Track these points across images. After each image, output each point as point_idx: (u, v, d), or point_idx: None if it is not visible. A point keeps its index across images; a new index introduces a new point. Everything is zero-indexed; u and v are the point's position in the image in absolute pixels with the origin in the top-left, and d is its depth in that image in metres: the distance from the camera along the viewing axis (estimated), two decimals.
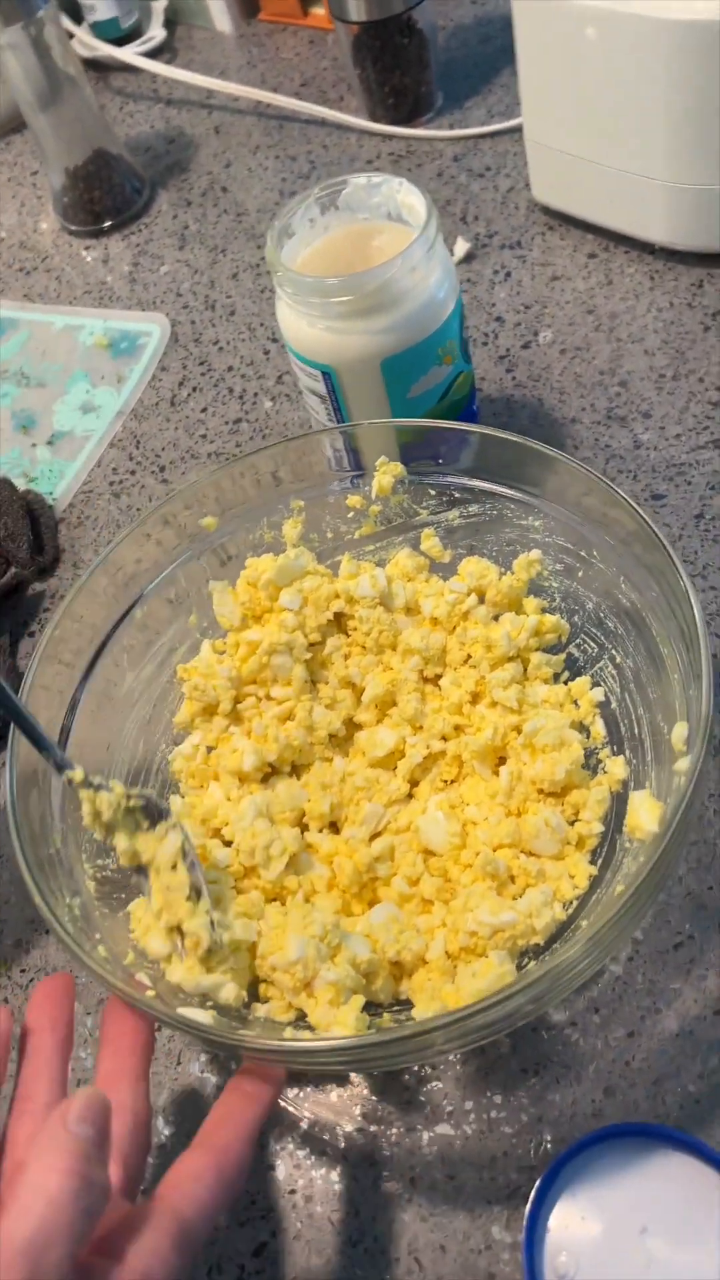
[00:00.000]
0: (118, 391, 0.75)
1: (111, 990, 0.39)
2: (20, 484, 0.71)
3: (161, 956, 0.43)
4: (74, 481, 0.71)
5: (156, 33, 1.01)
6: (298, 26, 0.99)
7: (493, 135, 0.83)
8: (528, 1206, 0.41)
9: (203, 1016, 0.39)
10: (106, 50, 0.98)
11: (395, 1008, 0.45)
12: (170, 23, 1.04)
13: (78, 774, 0.44)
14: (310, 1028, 0.42)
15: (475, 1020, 0.35)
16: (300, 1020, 0.43)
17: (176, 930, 0.43)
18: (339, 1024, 0.41)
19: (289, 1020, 0.43)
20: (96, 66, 1.01)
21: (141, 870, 0.44)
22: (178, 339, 0.77)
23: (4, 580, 0.64)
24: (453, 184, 0.81)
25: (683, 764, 0.40)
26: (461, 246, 0.75)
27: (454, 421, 0.51)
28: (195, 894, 0.42)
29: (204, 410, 0.73)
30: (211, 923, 0.42)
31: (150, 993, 0.40)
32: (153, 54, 0.99)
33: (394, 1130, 0.45)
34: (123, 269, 0.84)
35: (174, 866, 0.43)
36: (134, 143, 0.93)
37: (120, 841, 0.44)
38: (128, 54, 0.97)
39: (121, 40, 1.00)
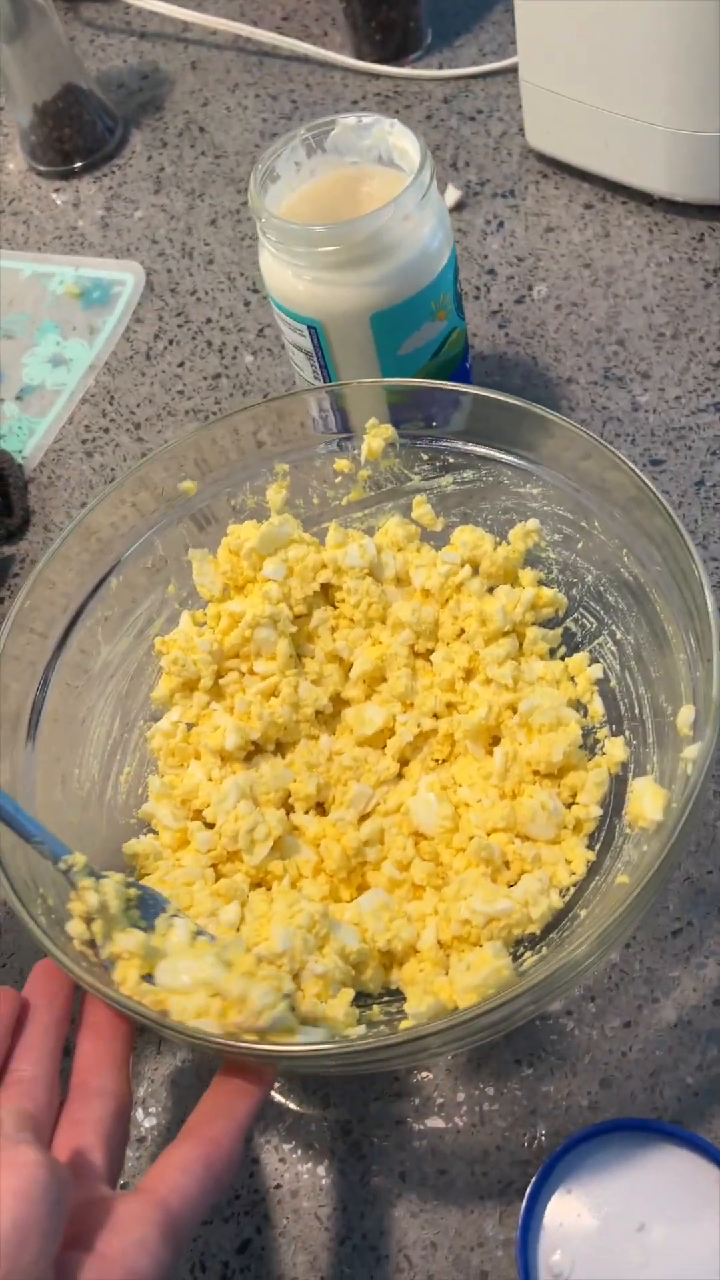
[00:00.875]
0: (90, 344, 0.72)
1: (86, 988, 0.37)
2: None
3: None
4: (44, 439, 0.68)
5: None
6: None
7: (485, 76, 0.79)
8: (523, 1202, 0.39)
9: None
10: None
11: (385, 998, 0.43)
12: None
13: (78, 859, 0.39)
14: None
15: (473, 1024, 0.33)
16: None
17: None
18: (327, 1018, 0.40)
19: None
20: None
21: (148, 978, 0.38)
22: (153, 288, 0.74)
23: None
24: (442, 128, 0.77)
25: (690, 751, 0.38)
26: (452, 194, 0.72)
27: (448, 382, 0.48)
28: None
29: (181, 364, 0.69)
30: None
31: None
32: None
33: (383, 1123, 0.44)
34: (95, 213, 0.79)
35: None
36: (106, 78, 0.88)
37: (123, 942, 0.38)
38: None
39: None
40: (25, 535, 0.64)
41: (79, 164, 0.82)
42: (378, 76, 0.82)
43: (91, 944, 0.38)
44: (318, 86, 0.83)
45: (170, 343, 0.71)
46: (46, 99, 0.79)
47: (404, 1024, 0.39)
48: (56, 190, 0.82)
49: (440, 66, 0.80)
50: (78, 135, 0.81)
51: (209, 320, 0.71)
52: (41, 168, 0.83)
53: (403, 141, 0.50)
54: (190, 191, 0.79)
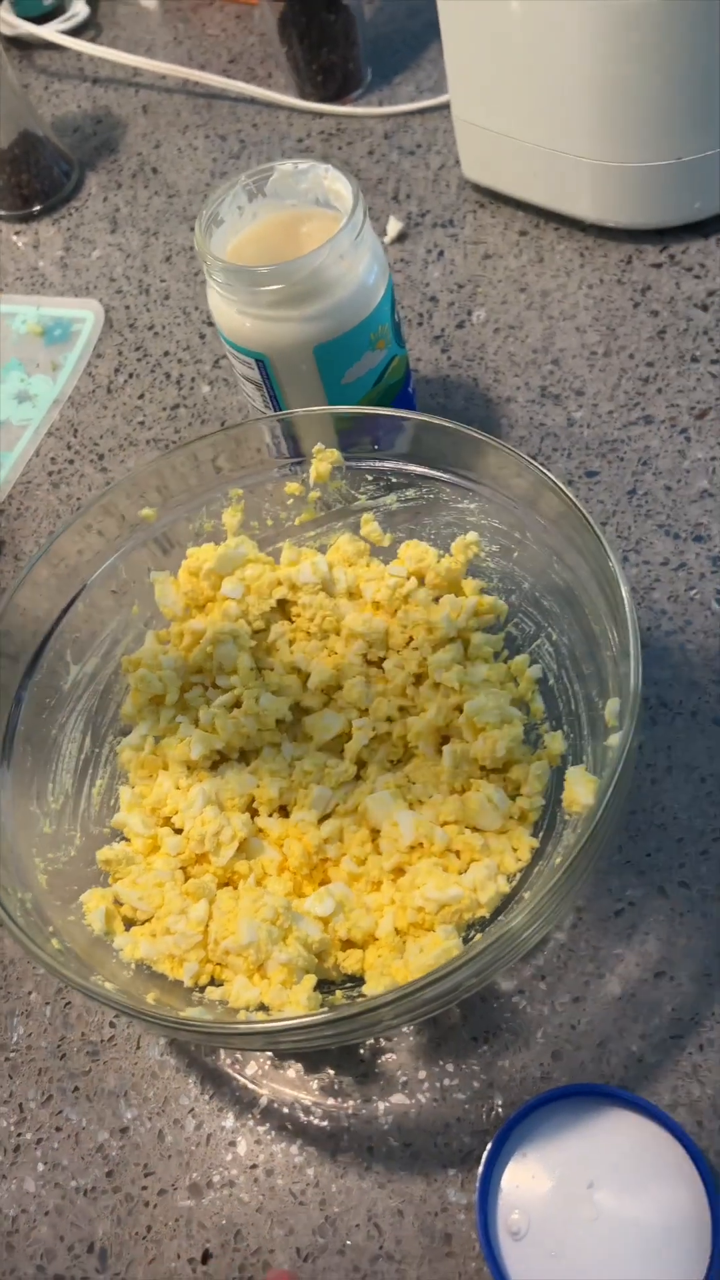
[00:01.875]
0: (53, 379, 0.75)
1: (66, 983, 0.39)
2: None
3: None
4: (12, 472, 0.71)
5: (79, 9, 0.99)
6: (223, 2, 0.98)
7: (422, 112, 0.83)
8: (480, 1168, 0.42)
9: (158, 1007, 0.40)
10: (28, 28, 0.96)
11: (348, 984, 0.46)
12: None
13: None
14: (264, 1008, 0.43)
15: (422, 995, 0.36)
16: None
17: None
18: (292, 1004, 0.43)
19: (243, 1004, 0.43)
20: (18, 45, 0.99)
21: None
22: (112, 324, 0.77)
23: None
24: (384, 162, 0.81)
25: (614, 739, 0.41)
26: (394, 226, 0.75)
27: (386, 408, 0.52)
28: None
29: (141, 396, 0.72)
30: None
31: (109, 985, 0.41)
32: (76, 31, 0.97)
33: (351, 1102, 0.46)
34: (54, 254, 0.83)
35: None
36: (60, 123, 0.92)
37: None
38: (50, 32, 0.95)
39: (43, 18, 0.98)
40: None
41: (37, 207, 0.85)
42: (321, 115, 0.85)
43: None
44: (264, 126, 0.86)
45: (130, 376, 0.74)
46: (3, 146, 0.83)
47: (357, 1002, 0.42)
48: (17, 233, 0.85)
49: (380, 104, 0.84)
50: (35, 180, 0.84)
51: (166, 353, 0.74)
52: (2, 212, 0.86)
53: (337, 185, 0.54)
54: (145, 230, 0.82)
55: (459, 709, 0.50)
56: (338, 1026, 0.37)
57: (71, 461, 0.71)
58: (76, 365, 0.75)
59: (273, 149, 0.85)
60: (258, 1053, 0.48)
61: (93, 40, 0.97)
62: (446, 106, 0.81)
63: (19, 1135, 0.48)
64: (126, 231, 0.82)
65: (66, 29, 0.96)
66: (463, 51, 0.68)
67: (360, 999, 0.43)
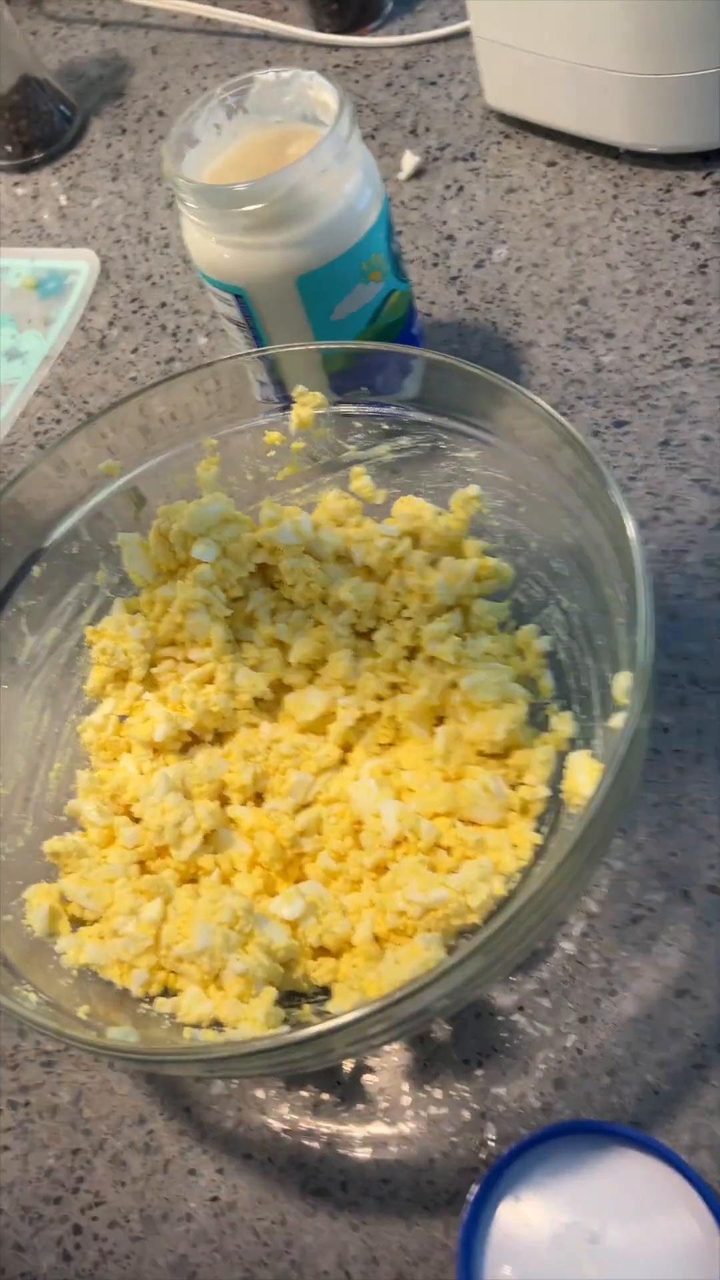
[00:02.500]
0: (45, 335, 0.70)
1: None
2: None
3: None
4: None
5: None
6: None
7: (445, 39, 0.76)
8: (464, 1212, 0.37)
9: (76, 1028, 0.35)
10: None
11: (320, 997, 0.40)
12: None
13: None
14: (219, 1024, 0.38)
15: (377, 1020, 0.31)
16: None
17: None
18: (248, 1020, 0.37)
19: (194, 1020, 0.38)
20: None
21: None
22: (109, 275, 0.72)
23: None
24: (402, 94, 0.74)
25: (617, 719, 0.35)
26: (410, 161, 0.69)
27: (375, 343, 0.46)
28: None
29: (135, 350, 0.67)
30: None
31: (33, 997, 0.36)
32: None
33: (325, 1129, 0.41)
34: (54, 204, 0.78)
35: None
36: (69, 69, 0.87)
37: None
38: None
39: None
40: None
41: (37, 155, 0.80)
42: (338, 48, 0.79)
43: None
44: (278, 61, 0.80)
45: (125, 329, 0.69)
46: (2, 93, 0.78)
47: (311, 1019, 0.36)
48: (16, 184, 0.81)
49: (401, 33, 0.78)
50: (34, 127, 0.79)
51: (163, 304, 0.69)
52: (1, 162, 0.81)
53: (323, 95, 0.48)
54: (148, 176, 0.77)
55: (456, 685, 0.44)
56: (277, 1056, 0.31)
57: (59, 421, 0.66)
58: (69, 320, 0.70)
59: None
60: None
61: None
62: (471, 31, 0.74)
63: None
64: (128, 179, 0.77)
65: None
66: None
67: (327, 1018, 0.38)
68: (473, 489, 0.46)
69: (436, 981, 0.30)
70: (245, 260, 0.47)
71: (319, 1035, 0.30)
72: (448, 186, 0.68)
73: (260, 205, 0.45)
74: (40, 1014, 0.34)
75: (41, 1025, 0.33)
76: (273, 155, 0.50)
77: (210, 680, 0.47)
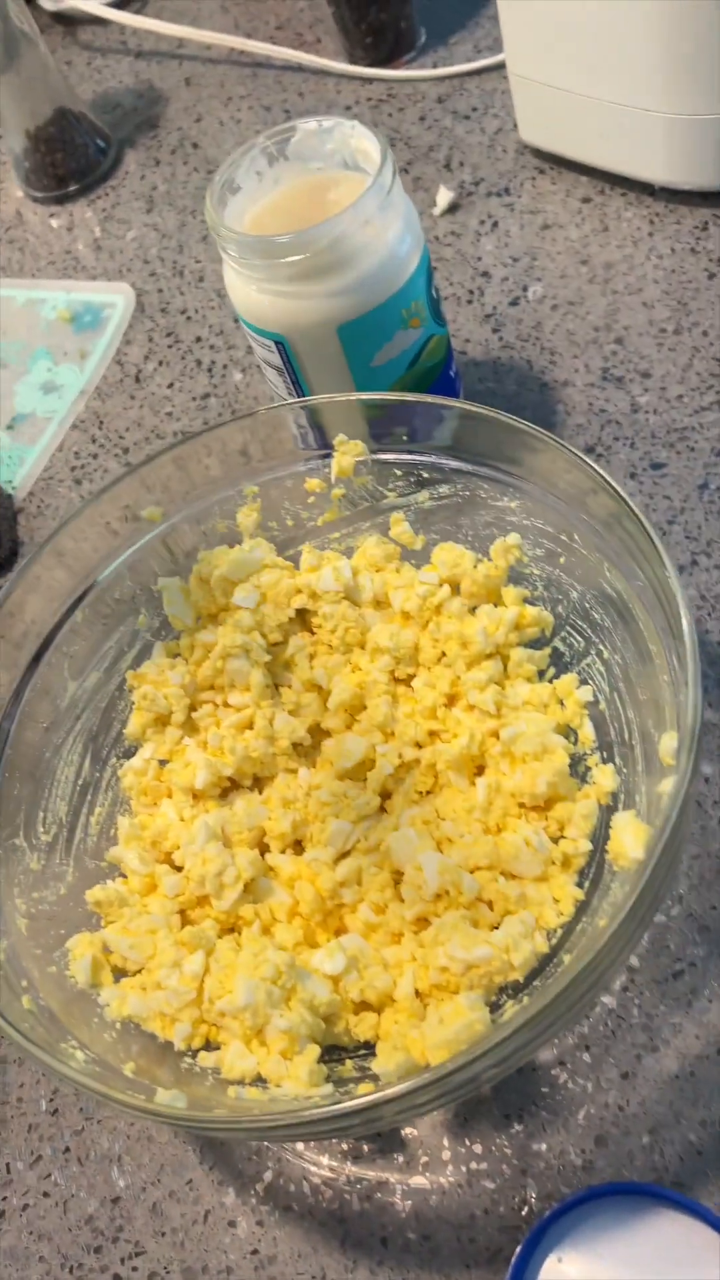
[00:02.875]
0: (81, 369, 0.70)
1: (29, 1056, 0.35)
2: None
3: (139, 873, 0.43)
4: (34, 468, 0.67)
5: None
6: None
7: (479, 73, 0.76)
8: (508, 1272, 0.37)
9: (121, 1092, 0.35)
10: (72, 2, 0.92)
11: (361, 1052, 0.40)
12: None
13: None
14: (262, 1080, 0.38)
15: (428, 1091, 0.31)
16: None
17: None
18: (292, 1077, 0.37)
19: (238, 1075, 0.38)
20: (62, 20, 0.95)
21: None
22: (144, 309, 0.72)
23: None
24: (436, 128, 0.74)
25: (666, 784, 0.35)
26: (444, 196, 0.69)
27: (415, 395, 0.46)
28: None
29: (170, 385, 0.68)
30: None
31: (80, 1055, 0.36)
32: (121, 4, 0.93)
33: (365, 1182, 0.41)
34: (89, 236, 0.78)
35: None
36: (103, 100, 0.88)
37: None
38: (94, 5, 0.91)
39: None
40: (14, 567, 0.63)
41: (73, 187, 0.81)
42: (371, 81, 0.79)
43: None
44: (310, 94, 0.81)
45: (160, 364, 0.69)
46: (38, 125, 0.78)
47: (364, 1086, 0.36)
48: (52, 215, 0.81)
49: (435, 66, 0.78)
50: (70, 159, 0.80)
51: (198, 339, 0.69)
52: (36, 194, 0.82)
53: (364, 143, 0.48)
54: (182, 209, 0.77)
55: (496, 735, 0.44)
56: (326, 1125, 0.31)
57: (95, 456, 0.66)
58: (105, 353, 0.71)
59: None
60: None
61: (137, 12, 0.92)
62: (504, 65, 0.74)
63: (4, 1199, 0.44)
64: (163, 211, 0.78)
65: (111, 1, 0.92)
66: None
67: (371, 1075, 0.38)
68: (513, 537, 0.46)
69: (488, 1052, 0.30)
70: (287, 308, 0.47)
71: (370, 1106, 0.30)
72: (482, 222, 0.68)
73: (303, 256, 0.45)
74: (88, 1074, 0.34)
75: (92, 1089, 0.33)
76: (313, 202, 0.50)
77: (249, 725, 0.47)
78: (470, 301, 0.64)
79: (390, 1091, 0.31)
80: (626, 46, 0.58)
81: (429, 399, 0.46)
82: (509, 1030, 0.30)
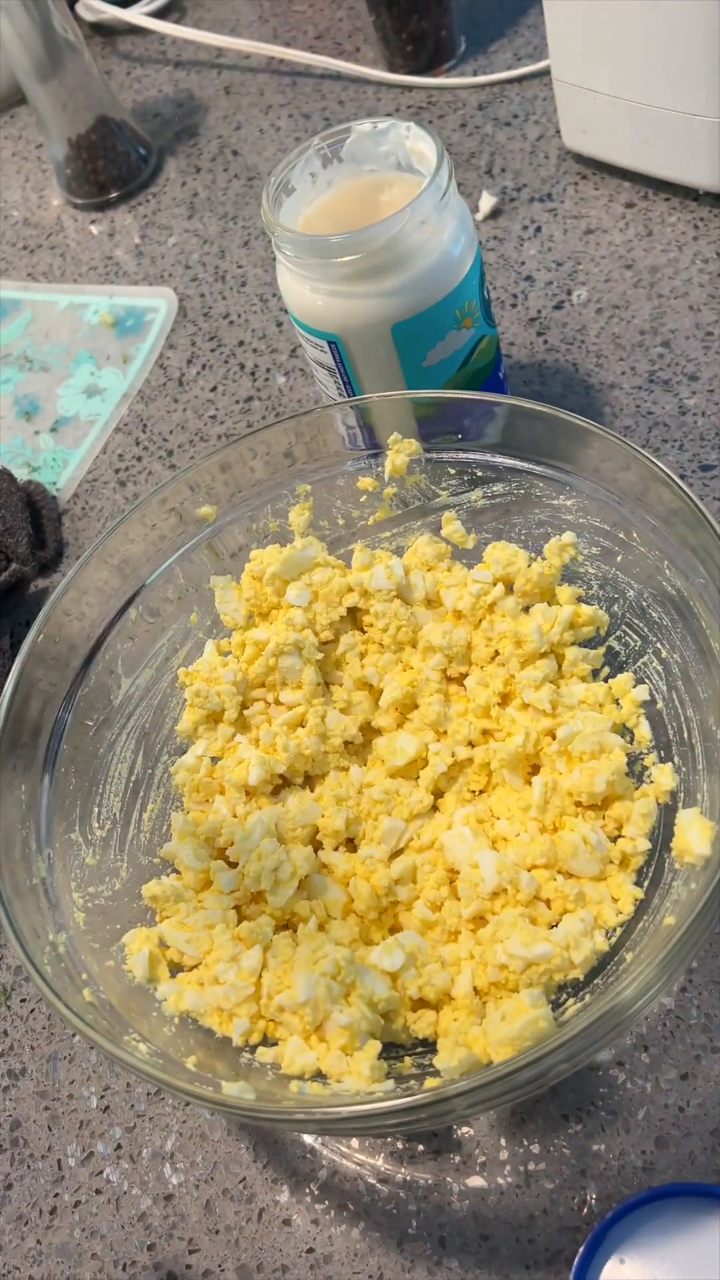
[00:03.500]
0: (123, 372, 0.71)
1: (94, 1045, 0.35)
2: (22, 474, 0.67)
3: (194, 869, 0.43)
4: (78, 470, 0.67)
5: None
6: None
7: (520, 80, 0.77)
8: (571, 1273, 0.36)
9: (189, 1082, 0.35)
10: (112, 12, 0.93)
11: (419, 1049, 0.40)
12: None
13: None
14: (321, 1075, 0.38)
15: (502, 1084, 0.30)
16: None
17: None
18: (353, 1073, 0.37)
19: (298, 1071, 0.38)
20: (102, 31, 0.96)
21: None
22: (186, 313, 0.73)
23: (3, 577, 0.60)
24: (477, 135, 0.75)
25: None
26: (487, 201, 0.69)
27: (471, 392, 0.46)
28: None
29: (214, 389, 0.68)
30: None
31: (143, 1047, 0.36)
32: (160, 14, 0.94)
33: (422, 1182, 0.41)
34: (130, 242, 0.79)
35: None
36: (142, 109, 0.88)
37: None
38: (134, 15, 0.92)
39: (127, 1, 0.95)
40: (59, 568, 0.63)
41: (114, 194, 0.82)
42: (410, 89, 0.80)
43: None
44: (350, 102, 0.81)
45: (203, 368, 0.69)
46: (80, 132, 0.79)
47: (429, 1082, 0.36)
48: (93, 221, 0.82)
49: (475, 74, 0.78)
50: (111, 166, 0.81)
51: (241, 343, 0.70)
52: (78, 200, 0.83)
53: (420, 145, 0.48)
54: (223, 215, 0.78)
55: (551, 734, 0.44)
56: (399, 1117, 0.31)
57: (139, 458, 0.67)
58: (148, 357, 0.71)
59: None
60: None
61: (177, 22, 0.93)
62: (546, 73, 0.75)
63: (56, 1196, 0.44)
64: (204, 217, 0.78)
65: (150, 11, 0.93)
66: (565, 5, 0.61)
67: (433, 1069, 0.38)
68: (568, 536, 0.46)
69: (560, 1047, 0.30)
70: (341, 308, 0.48)
71: (439, 1100, 0.30)
72: (525, 227, 0.68)
73: (358, 256, 0.45)
74: (153, 1066, 0.34)
75: (161, 1080, 0.33)
76: (366, 203, 0.50)
77: (301, 723, 0.47)
78: (514, 305, 0.65)
79: (459, 1085, 0.30)
80: (673, 52, 0.58)
81: (482, 396, 0.46)
82: (581, 1026, 0.30)
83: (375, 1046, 0.38)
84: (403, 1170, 0.41)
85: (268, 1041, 0.40)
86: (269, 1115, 0.32)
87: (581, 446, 0.44)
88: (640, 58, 0.60)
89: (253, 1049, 0.40)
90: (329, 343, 0.49)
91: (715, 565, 0.39)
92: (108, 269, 0.78)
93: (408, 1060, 0.39)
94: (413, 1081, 0.38)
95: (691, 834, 0.37)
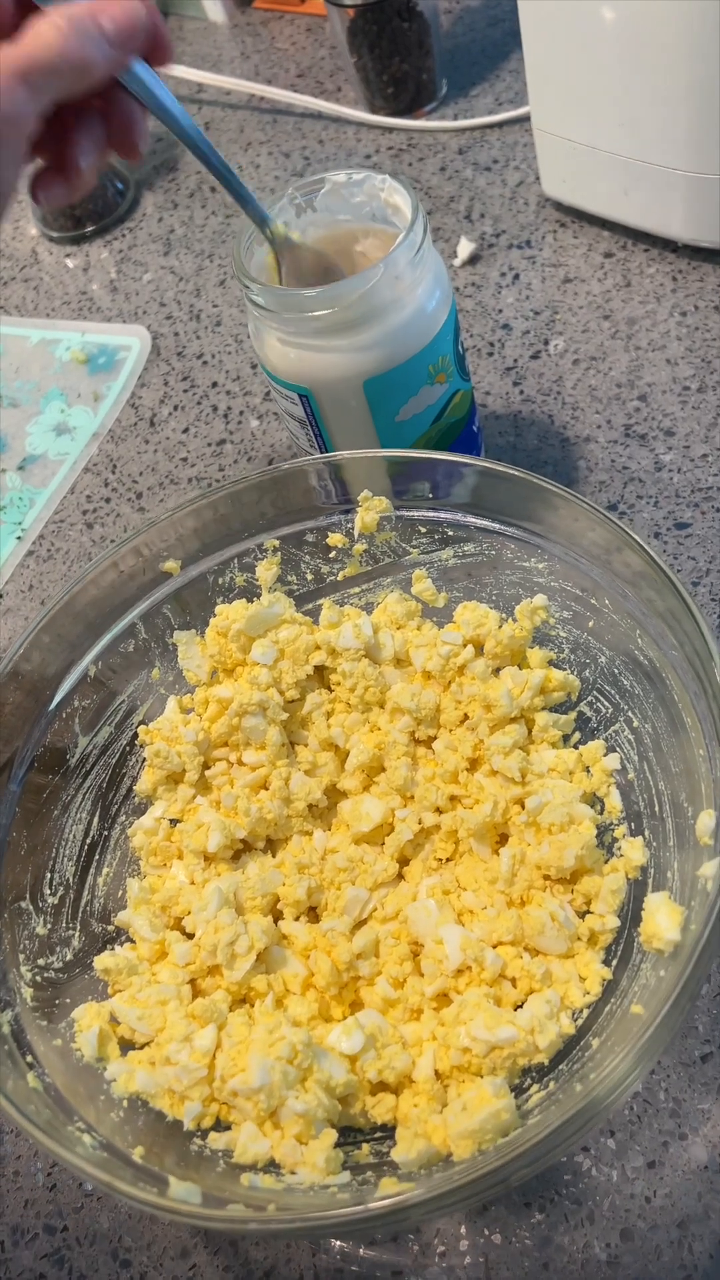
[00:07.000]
0: (94, 411, 0.70)
1: (33, 1139, 0.33)
2: None
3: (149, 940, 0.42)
4: (44, 510, 0.66)
5: None
6: (294, 14, 0.93)
7: (500, 125, 0.76)
8: None
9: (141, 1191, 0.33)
10: None
11: (378, 1134, 0.39)
12: (161, 14, 0.98)
13: (279, 228, 0.46)
14: (275, 1165, 0.36)
15: (458, 1194, 0.29)
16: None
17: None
18: (307, 1163, 0.36)
19: (250, 1159, 0.36)
20: None
21: None
22: (159, 352, 0.72)
23: None
24: (457, 179, 0.74)
25: (709, 867, 0.33)
26: (465, 247, 0.69)
27: (442, 453, 0.45)
28: None
29: (185, 430, 0.67)
30: None
31: (87, 1139, 0.34)
32: None
33: (379, 1271, 0.39)
34: (105, 277, 0.78)
35: None
36: None
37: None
38: None
39: None
40: (22, 631, 0.62)
41: (90, 228, 0.81)
42: (391, 130, 0.80)
43: None
44: (330, 142, 0.81)
45: (175, 408, 0.68)
46: None
47: (385, 1182, 0.34)
48: (68, 255, 0.81)
49: (455, 117, 0.78)
50: (88, 200, 0.80)
51: (214, 384, 0.69)
52: (54, 234, 0.82)
53: (395, 198, 0.48)
54: (199, 253, 0.77)
55: (520, 802, 0.43)
56: (351, 1227, 0.29)
57: (108, 500, 0.65)
58: (119, 396, 0.70)
59: (337, 165, 0.79)
60: None
61: None
62: (527, 119, 0.75)
63: None
64: (180, 254, 0.77)
65: None
66: (545, 56, 0.61)
67: (387, 1162, 0.36)
68: (539, 599, 0.45)
69: (520, 1155, 0.29)
70: (313, 362, 0.47)
71: (395, 1210, 0.29)
72: (503, 274, 0.68)
73: (332, 310, 0.44)
74: (96, 1162, 0.33)
75: (102, 1182, 0.31)
76: (341, 254, 0.50)
77: (264, 785, 0.46)
78: (491, 354, 0.64)
79: (416, 1196, 0.29)
80: (652, 106, 0.58)
81: (453, 457, 0.45)
82: (543, 1132, 0.29)
83: (331, 1136, 0.36)
84: (361, 1255, 0.39)
85: (220, 1125, 0.38)
86: (215, 1222, 0.31)
87: (551, 510, 0.43)
88: (619, 110, 0.60)
89: (204, 1134, 0.38)
90: (300, 396, 0.48)
91: (683, 631, 0.38)
92: (81, 304, 0.77)
93: (365, 1147, 0.38)
94: (369, 1172, 0.36)
95: (660, 918, 0.36)
